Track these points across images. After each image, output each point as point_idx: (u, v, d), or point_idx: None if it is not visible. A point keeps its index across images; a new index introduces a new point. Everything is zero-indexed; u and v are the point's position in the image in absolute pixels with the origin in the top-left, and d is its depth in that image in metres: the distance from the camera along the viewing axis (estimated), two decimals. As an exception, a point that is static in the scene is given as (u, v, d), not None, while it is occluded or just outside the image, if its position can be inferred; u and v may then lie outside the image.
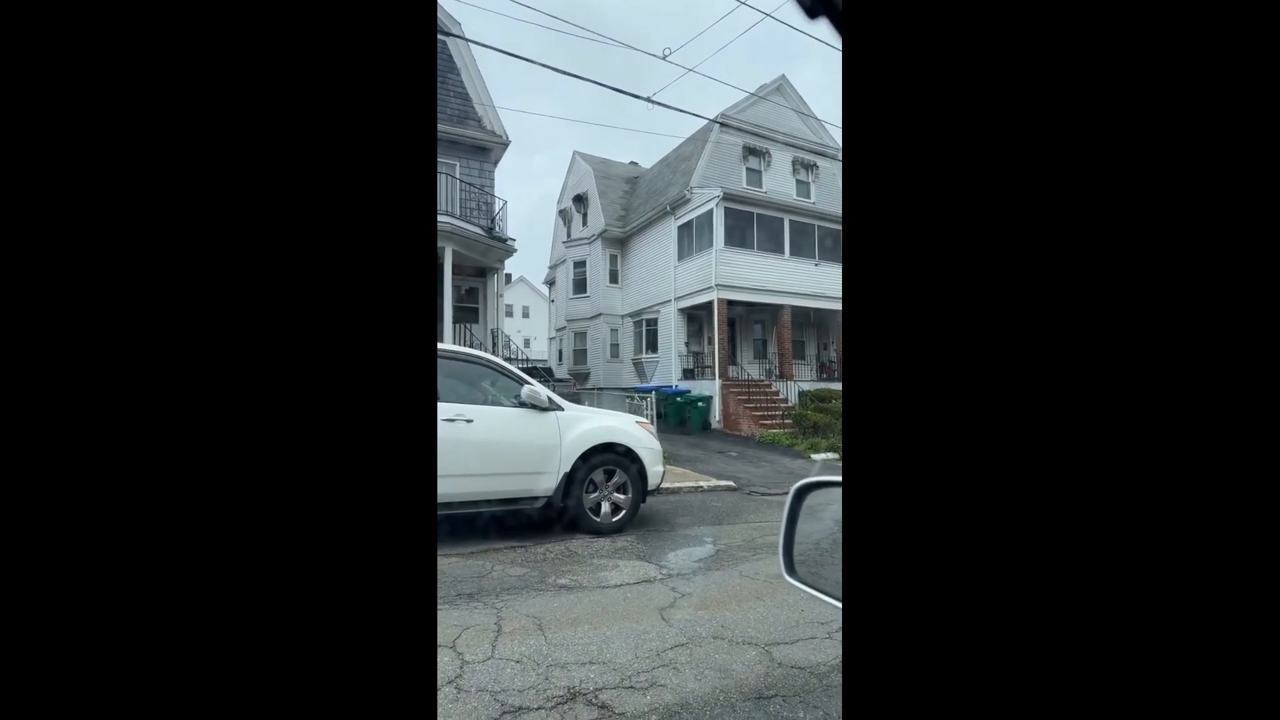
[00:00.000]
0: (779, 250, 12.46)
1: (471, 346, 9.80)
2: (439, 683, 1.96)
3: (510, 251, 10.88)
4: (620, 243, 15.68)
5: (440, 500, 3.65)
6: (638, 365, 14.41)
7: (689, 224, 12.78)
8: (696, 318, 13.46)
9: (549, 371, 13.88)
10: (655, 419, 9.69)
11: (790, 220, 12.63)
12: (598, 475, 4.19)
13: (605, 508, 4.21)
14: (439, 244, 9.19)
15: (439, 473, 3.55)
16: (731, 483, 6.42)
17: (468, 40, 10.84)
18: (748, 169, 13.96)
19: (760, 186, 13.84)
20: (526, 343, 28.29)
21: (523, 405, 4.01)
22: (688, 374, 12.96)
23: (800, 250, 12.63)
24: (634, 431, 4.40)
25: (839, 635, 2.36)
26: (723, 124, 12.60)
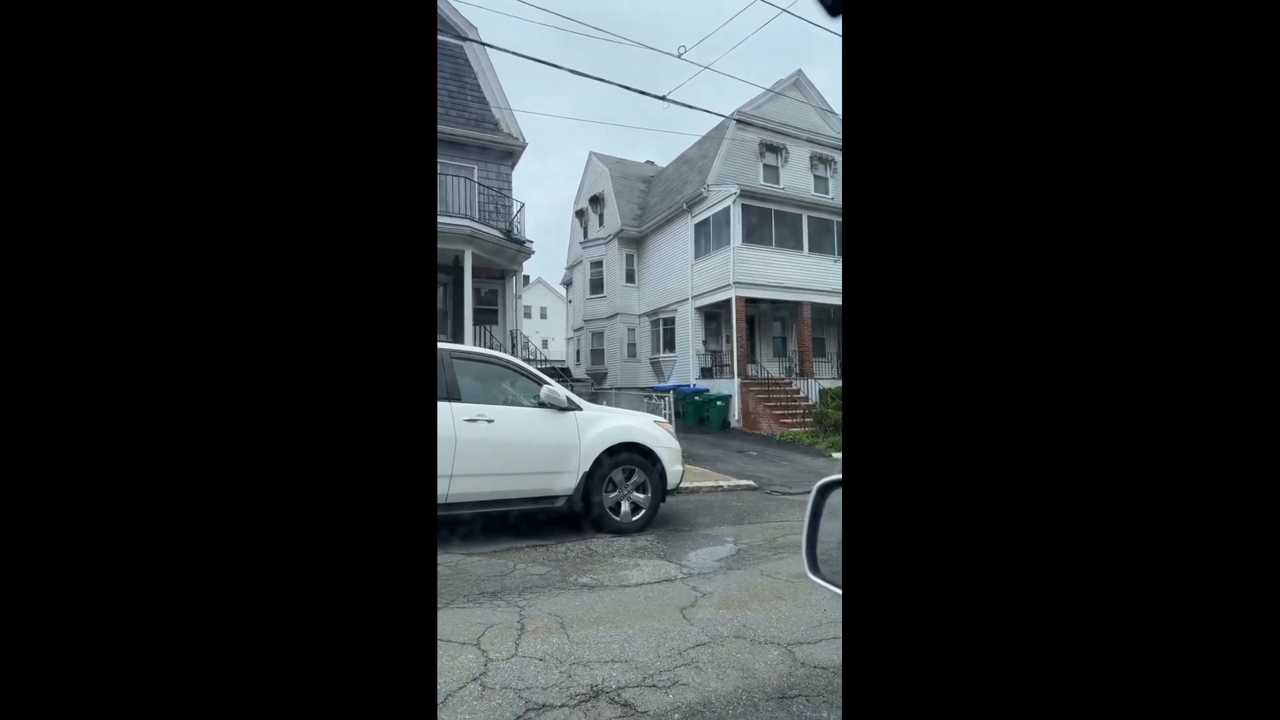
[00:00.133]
0: (798, 247, 12.34)
1: (491, 348, 9.91)
2: (463, 680, 1.99)
3: (528, 253, 10.97)
4: (636, 242, 15.68)
5: (463, 499, 3.70)
6: (655, 365, 14.40)
7: (706, 222, 12.73)
8: (714, 316, 13.40)
9: (566, 372, 13.95)
10: (674, 418, 9.68)
11: (809, 216, 12.50)
12: (617, 475, 4.20)
13: (625, 507, 4.22)
14: (459, 248, 9.30)
15: (462, 472, 3.61)
16: (752, 482, 6.38)
17: (484, 44, 10.96)
18: (765, 165, 13.85)
19: (778, 183, 13.72)
20: (544, 343, 28.49)
21: (542, 405, 4.04)
22: (706, 373, 12.91)
23: (820, 246, 12.49)
24: (653, 431, 4.40)
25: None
26: (739, 121, 12.52)
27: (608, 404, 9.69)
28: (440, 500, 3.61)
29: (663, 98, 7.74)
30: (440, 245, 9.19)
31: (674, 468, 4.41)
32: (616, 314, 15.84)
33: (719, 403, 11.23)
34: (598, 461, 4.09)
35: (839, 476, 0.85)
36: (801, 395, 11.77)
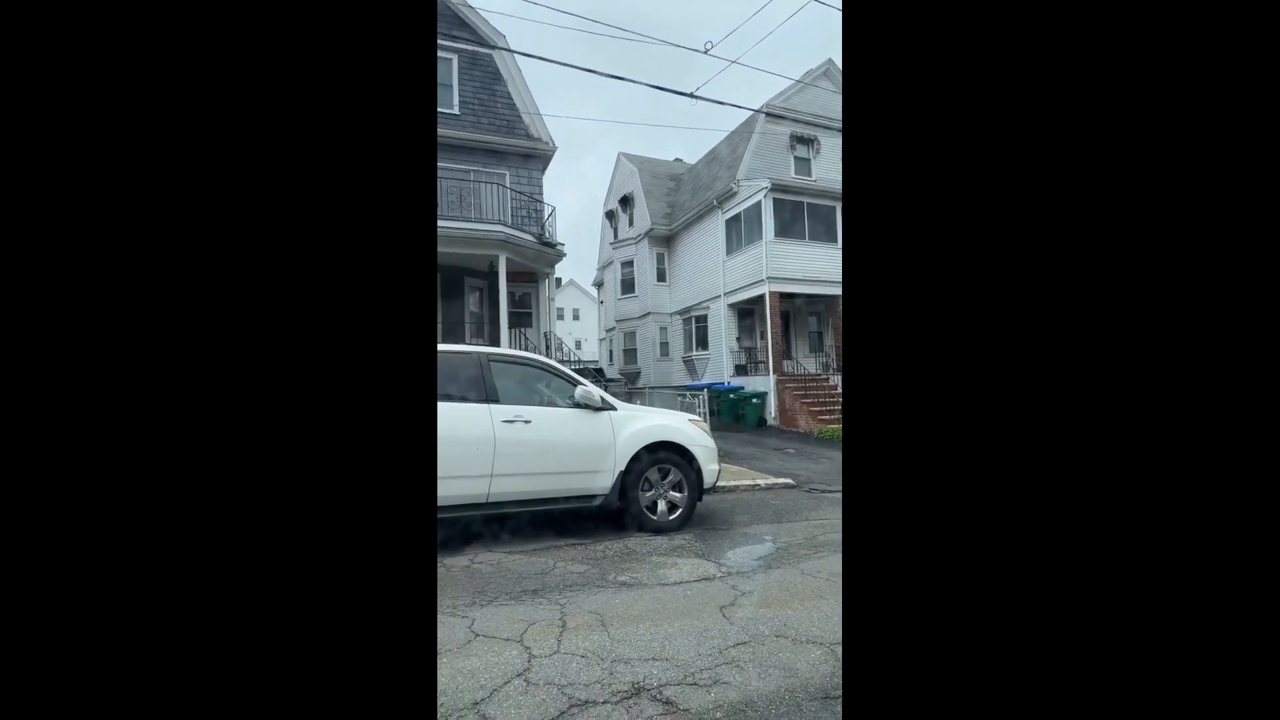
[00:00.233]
0: (832, 239, 12.09)
1: (526, 350, 10.07)
2: (508, 675, 2.04)
3: (560, 256, 11.10)
4: (667, 241, 15.66)
5: (502, 499, 3.78)
6: (688, 363, 14.34)
7: (737, 217, 12.60)
8: (748, 313, 13.25)
9: (600, 372, 14.06)
10: (708, 416, 9.63)
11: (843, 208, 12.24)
12: (653, 474, 4.21)
13: (661, 506, 4.23)
14: (494, 253, 9.49)
15: (501, 472, 3.69)
16: (790, 480, 6.29)
17: (513, 52, 11.14)
18: (796, 158, 13.61)
19: (810, 175, 13.47)
20: (578, 344, 28.77)
21: (577, 406, 4.08)
22: (740, 370, 12.78)
23: (854, 238, 12.21)
24: (687, 430, 4.39)
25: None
26: (769, 114, 12.35)
27: (642, 403, 9.71)
28: (481, 500, 3.69)
29: (691, 94, 7.71)
30: (475, 251, 9.39)
31: (710, 466, 4.39)
32: (648, 313, 15.85)
33: (754, 400, 11.11)
34: (634, 460, 4.11)
35: None
36: (839, 391, 11.53)
